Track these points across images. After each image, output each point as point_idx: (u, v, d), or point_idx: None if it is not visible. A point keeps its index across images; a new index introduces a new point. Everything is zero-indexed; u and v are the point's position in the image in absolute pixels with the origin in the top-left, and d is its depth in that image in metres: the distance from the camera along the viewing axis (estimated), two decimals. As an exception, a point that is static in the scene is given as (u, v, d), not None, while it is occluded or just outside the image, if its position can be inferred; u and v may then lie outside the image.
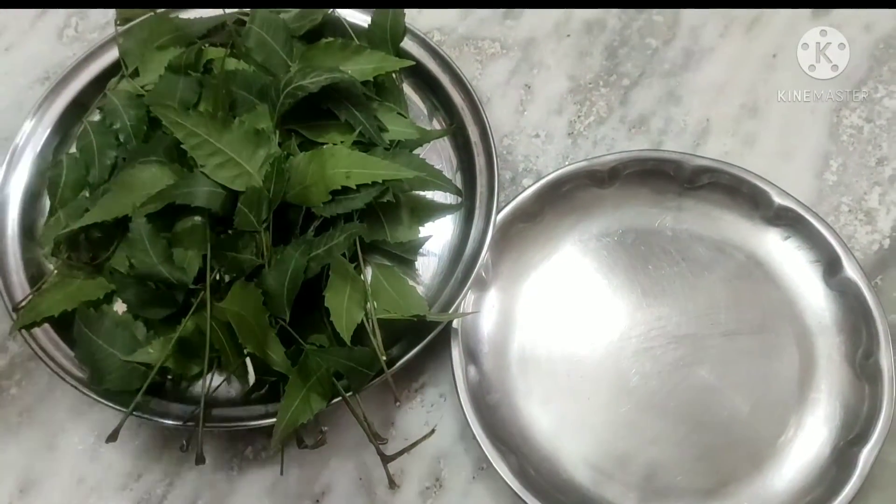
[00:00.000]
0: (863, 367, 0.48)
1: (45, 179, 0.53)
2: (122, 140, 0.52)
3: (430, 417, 0.49)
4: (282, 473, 0.46)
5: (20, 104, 0.58)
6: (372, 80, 0.53)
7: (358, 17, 0.56)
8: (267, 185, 0.48)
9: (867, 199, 0.55)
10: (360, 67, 0.53)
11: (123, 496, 0.48)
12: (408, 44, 0.55)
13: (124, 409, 0.45)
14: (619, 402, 0.48)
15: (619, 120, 0.57)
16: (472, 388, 0.47)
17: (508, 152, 0.56)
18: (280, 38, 0.54)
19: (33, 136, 0.54)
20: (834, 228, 0.51)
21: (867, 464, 0.45)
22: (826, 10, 0.60)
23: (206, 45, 0.55)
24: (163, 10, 0.56)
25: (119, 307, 0.49)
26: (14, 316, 0.48)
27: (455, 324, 0.48)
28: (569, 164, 0.52)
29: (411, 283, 0.50)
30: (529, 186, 0.52)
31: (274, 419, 0.43)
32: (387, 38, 0.54)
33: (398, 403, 0.48)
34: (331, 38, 0.54)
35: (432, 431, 0.44)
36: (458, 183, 0.53)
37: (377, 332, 0.46)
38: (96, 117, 0.55)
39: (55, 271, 0.50)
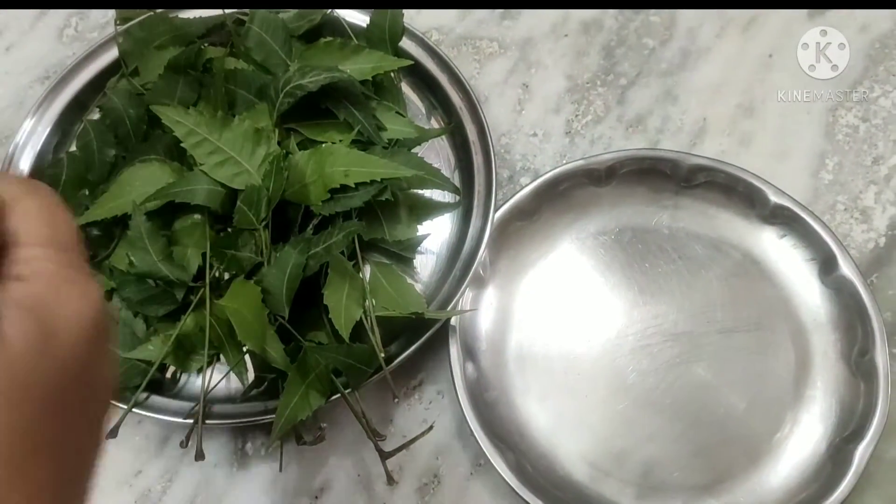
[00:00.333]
0: (858, 364, 0.48)
1: (45, 178, 0.53)
2: (121, 139, 0.52)
3: (429, 414, 0.49)
4: (281, 470, 0.46)
5: (20, 103, 0.59)
6: (370, 79, 0.53)
7: (357, 17, 0.56)
8: (266, 183, 0.48)
9: (863, 197, 0.55)
10: (358, 67, 0.53)
11: (123, 492, 0.48)
12: (406, 43, 0.55)
13: (124, 406, 0.45)
14: (616, 399, 0.49)
15: (616, 119, 0.58)
16: (469, 386, 0.47)
17: (506, 151, 0.57)
18: (279, 37, 0.54)
19: (33, 134, 0.54)
20: (829, 227, 0.51)
21: (863, 460, 0.45)
22: (822, 10, 0.60)
23: (206, 44, 0.55)
24: (162, 9, 0.57)
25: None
26: (14, 313, 0.48)
27: (453, 321, 0.48)
28: (566, 163, 0.53)
29: (409, 280, 0.50)
30: (527, 185, 0.52)
31: (273, 416, 0.44)
32: (385, 38, 0.55)
33: (396, 400, 0.49)
34: (329, 38, 0.54)
35: (430, 428, 0.45)
36: (457, 181, 0.54)
37: (376, 329, 0.46)
38: (96, 116, 0.55)
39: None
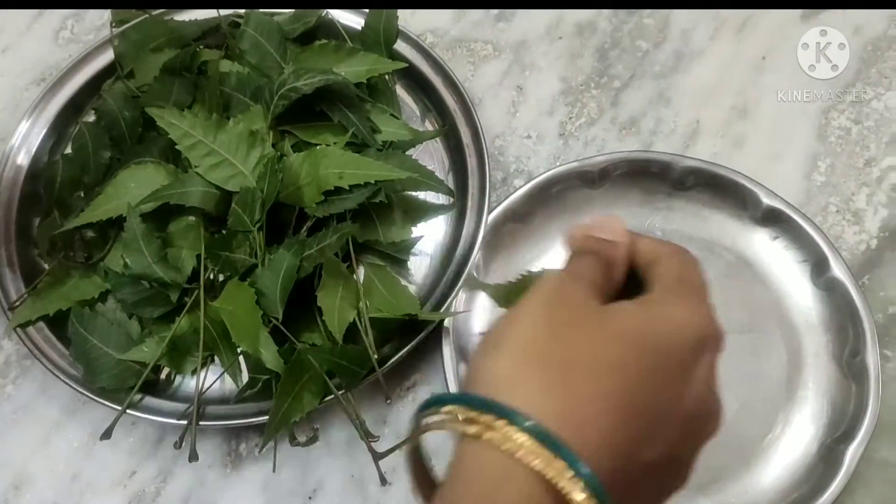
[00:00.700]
0: (849, 365, 0.49)
1: (41, 180, 0.53)
2: (116, 141, 0.53)
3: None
4: (274, 470, 0.46)
5: (16, 105, 0.59)
6: (365, 81, 0.53)
7: (351, 20, 0.57)
8: (260, 185, 0.48)
9: (855, 199, 0.55)
10: (353, 69, 0.53)
11: (117, 493, 0.48)
12: (401, 46, 0.56)
13: (118, 407, 0.46)
14: (608, 400, 0.49)
15: (609, 121, 0.58)
16: (463, 387, 0.47)
17: (500, 153, 0.57)
18: (274, 40, 0.55)
19: (29, 136, 0.54)
20: (822, 229, 0.51)
21: (853, 461, 0.45)
22: (816, 12, 0.61)
23: (201, 46, 0.56)
24: (158, 11, 0.57)
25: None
26: (9, 315, 0.49)
27: (447, 323, 0.48)
28: (560, 165, 0.53)
29: (403, 282, 0.50)
30: (521, 187, 0.52)
31: (267, 417, 0.44)
32: (380, 41, 0.55)
33: (389, 401, 0.49)
34: (324, 41, 0.55)
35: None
36: (451, 183, 0.54)
37: (369, 330, 0.46)
38: (91, 118, 0.55)
39: (50, 271, 0.50)
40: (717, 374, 0.30)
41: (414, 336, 0.47)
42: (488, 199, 0.51)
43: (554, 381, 0.26)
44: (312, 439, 0.46)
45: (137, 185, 0.50)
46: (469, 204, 0.52)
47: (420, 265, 0.52)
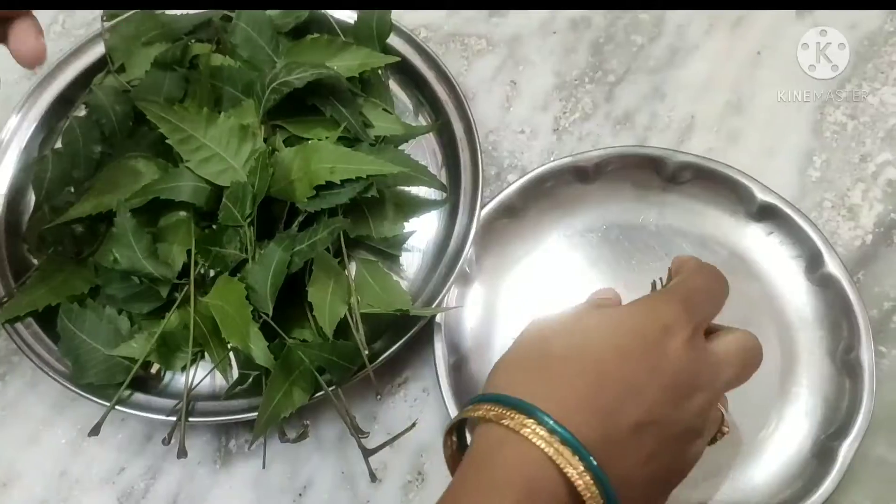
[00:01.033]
0: (844, 361, 0.48)
1: (31, 175, 0.53)
2: (107, 135, 0.52)
3: (414, 412, 0.49)
4: (264, 467, 0.46)
5: (6, 99, 0.58)
6: (358, 76, 0.53)
7: (344, 14, 0.56)
8: (251, 180, 0.48)
9: (850, 195, 0.55)
10: (345, 64, 0.53)
11: (106, 489, 0.48)
12: (394, 40, 0.55)
13: (107, 403, 0.45)
14: (601, 396, 0.49)
15: (604, 116, 0.57)
16: (454, 383, 0.47)
17: (494, 148, 0.56)
18: (266, 34, 0.54)
19: (19, 131, 0.54)
20: (816, 224, 0.51)
21: (847, 457, 0.45)
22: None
23: (193, 41, 0.55)
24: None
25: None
26: (-2, 310, 0.48)
27: (438, 318, 0.48)
28: (553, 160, 0.52)
29: (395, 277, 0.50)
30: (514, 182, 0.52)
31: (257, 413, 0.44)
32: (373, 35, 0.55)
33: (379, 397, 0.48)
34: (317, 35, 0.54)
35: (413, 425, 0.44)
36: (443, 178, 0.54)
37: (360, 326, 0.46)
38: (82, 113, 0.55)
39: (39, 266, 0.50)
40: (697, 349, 0.34)
41: (405, 332, 0.47)
42: (481, 195, 0.51)
43: (548, 380, 0.33)
44: (302, 435, 0.45)
45: (128, 179, 0.50)
46: (462, 199, 0.51)
47: (412, 260, 0.52)
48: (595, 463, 0.29)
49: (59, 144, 0.54)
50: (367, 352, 0.45)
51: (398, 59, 0.54)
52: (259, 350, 0.44)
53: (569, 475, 0.29)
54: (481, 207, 0.50)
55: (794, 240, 0.51)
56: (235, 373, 0.47)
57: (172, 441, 0.45)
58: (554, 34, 0.60)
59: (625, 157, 0.53)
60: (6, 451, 0.49)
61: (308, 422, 0.48)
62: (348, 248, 0.49)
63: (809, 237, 0.50)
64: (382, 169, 0.47)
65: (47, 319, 0.48)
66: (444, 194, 0.53)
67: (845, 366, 0.48)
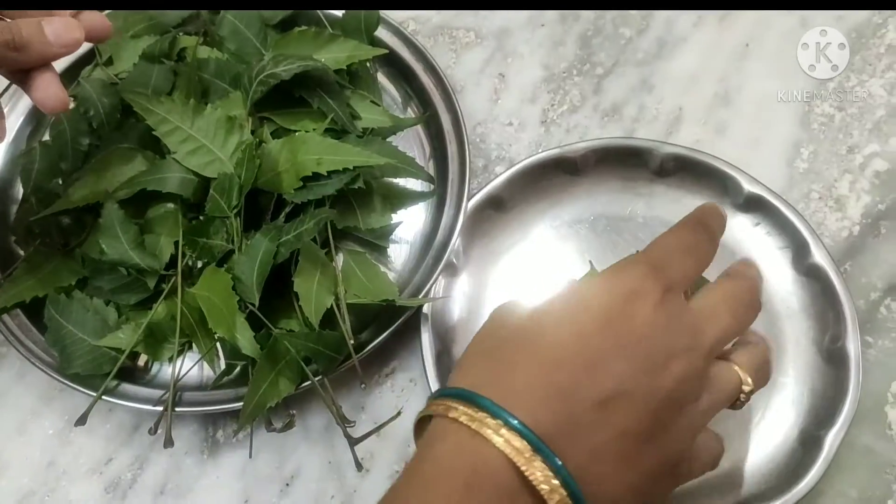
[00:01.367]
0: (830, 351, 0.48)
1: (18, 167, 0.53)
2: (95, 127, 0.52)
3: (401, 402, 0.49)
4: (250, 456, 0.46)
5: (-5, 93, 0.58)
6: (345, 68, 0.53)
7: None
8: (238, 171, 0.48)
9: (837, 186, 0.55)
10: (333, 56, 0.53)
11: (93, 480, 0.48)
12: (382, 33, 0.55)
13: (94, 394, 0.45)
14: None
15: (592, 108, 0.58)
16: (442, 373, 0.47)
17: (482, 140, 0.57)
18: (254, 26, 0.54)
19: (6, 123, 0.54)
20: (803, 215, 0.51)
21: (833, 446, 0.45)
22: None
23: (181, 33, 0.55)
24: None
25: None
26: (-15, 302, 0.48)
27: (425, 309, 0.48)
28: (541, 152, 0.53)
29: (383, 269, 0.50)
30: (501, 174, 0.52)
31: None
32: (361, 28, 0.55)
33: (363, 386, 0.49)
34: (304, 27, 0.54)
35: (398, 414, 0.45)
36: (431, 170, 0.54)
37: (346, 316, 0.46)
38: (70, 105, 0.55)
39: (27, 257, 0.50)
40: (670, 313, 0.32)
41: (392, 322, 0.47)
42: (468, 186, 0.51)
43: (496, 366, 0.31)
44: (288, 425, 0.45)
45: (115, 171, 0.50)
46: (449, 191, 0.51)
47: (399, 252, 0.52)
48: (549, 449, 0.28)
49: (46, 137, 0.54)
50: (353, 342, 0.45)
51: (385, 51, 0.54)
52: (245, 340, 0.44)
53: (525, 472, 0.28)
54: (468, 199, 0.50)
55: (781, 231, 0.51)
56: (223, 363, 0.47)
57: (159, 431, 0.45)
58: (542, 27, 0.60)
59: (612, 148, 0.53)
60: (-7, 443, 0.49)
61: (294, 412, 0.48)
62: (336, 240, 0.49)
63: (796, 228, 0.50)
64: (369, 160, 0.47)
65: (34, 310, 0.48)
66: (432, 186, 0.53)
67: (831, 356, 0.48)
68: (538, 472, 0.28)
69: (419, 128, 0.55)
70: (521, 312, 0.33)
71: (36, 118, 0.55)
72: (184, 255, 0.48)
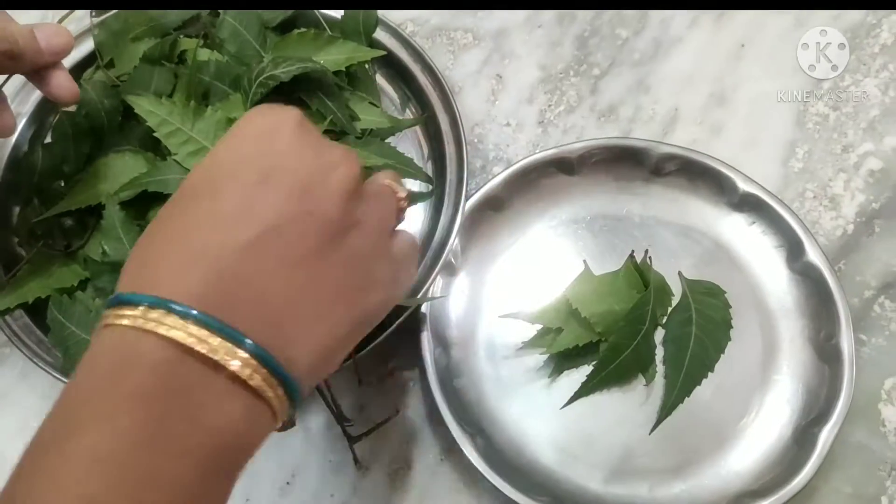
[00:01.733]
0: (824, 349, 0.49)
1: (22, 169, 0.54)
2: (96, 130, 0.53)
3: (400, 401, 0.50)
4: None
5: (-3, 95, 0.59)
6: (344, 70, 0.53)
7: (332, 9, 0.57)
8: (238, 172, 0.48)
9: (832, 185, 0.55)
10: (332, 58, 0.53)
11: (96, 479, 0.48)
12: (381, 34, 0.56)
13: (96, 393, 0.46)
14: (585, 384, 0.49)
15: (588, 109, 0.58)
16: (440, 372, 0.48)
17: (479, 141, 0.57)
18: (253, 28, 0.55)
19: (9, 126, 0.54)
20: (798, 214, 0.51)
21: (827, 443, 0.45)
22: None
23: (181, 36, 0.56)
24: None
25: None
26: (-12, 303, 0.49)
27: (424, 308, 0.49)
28: (538, 152, 0.53)
29: (381, 268, 0.50)
30: (499, 174, 0.52)
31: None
32: (359, 30, 0.55)
33: (361, 384, 0.49)
34: (304, 29, 0.55)
35: (397, 412, 0.45)
36: (429, 171, 0.54)
37: (346, 316, 0.46)
38: (72, 108, 0.55)
39: (29, 259, 0.50)
40: (310, 135, 0.31)
41: (391, 322, 0.47)
42: (466, 187, 0.51)
43: (137, 255, 0.29)
44: (289, 423, 0.46)
45: (116, 173, 0.50)
46: (447, 191, 0.52)
47: (399, 251, 0.52)
48: (179, 307, 0.25)
49: (48, 139, 0.54)
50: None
51: (384, 52, 0.54)
52: (246, 339, 0.44)
53: (162, 333, 0.25)
54: (466, 199, 0.51)
55: (776, 229, 0.52)
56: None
57: (161, 430, 0.45)
58: (539, 28, 0.61)
59: (609, 148, 0.53)
60: (-3, 442, 0.49)
61: (294, 411, 0.49)
62: (335, 240, 0.49)
63: (790, 227, 0.51)
64: (368, 162, 0.48)
65: (37, 311, 0.48)
66: (430, 187, 0.53)
67: (825, 353, 0.49)
68: (222, 352, 0.25)
69: (417, 128, 0.56)
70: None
71: (39, 121, 0.55)
72: (185, 256, 0.49)
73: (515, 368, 0.50)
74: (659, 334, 0.50)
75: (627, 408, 0.49)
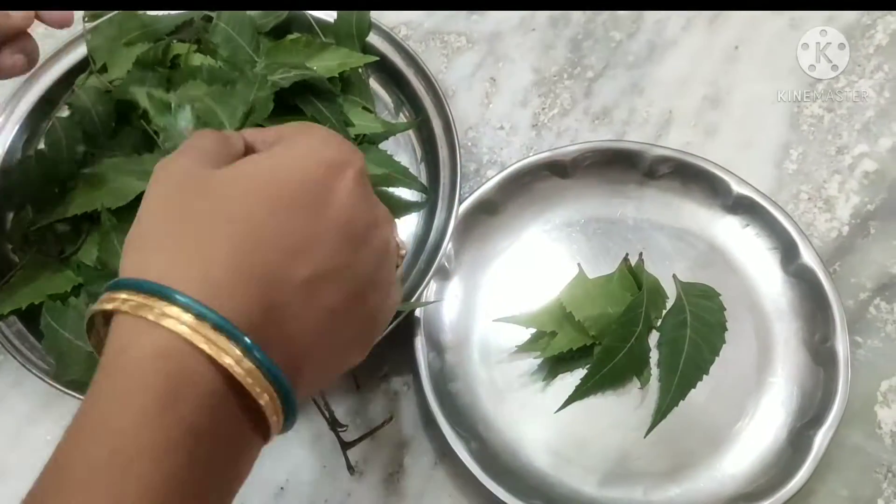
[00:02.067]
0: (819, 351, 0.49)
1: (15, 175, 0.53)
2: (90, 135, 0.53)
3: (394, 406, 0.50)
4: (245, 461, 0.46)
5: (-9, 101, 0.59)
6: (338, 75, 0.53)
7: (324, 13, 0.57)
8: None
9: (827, 187, 0.55)
10: (325, 64, 0.53)
11: (90, 485, 0.48)
12: (374, 39, 0.56)
13: (89, 400, 0.46)
14: (579, 388, 0.49)
15: (582, 112, 0.58)
16: (434, 376, 0.48)
17: (473, 144, 0.57)
18: (246, 34, 0.55)
19: (2, 132, 0.54)
20: (792, 216, 0.51)
21: (822, 446, 0.45)
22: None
23: (174, 41, 0.56)
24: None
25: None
26: (-19, 309, 0.49)
27: (418, 313, 0.49)
28: (531, 156, 0.53)
29: (375, 273, 0.50)
30: (492, 177, 0.52)
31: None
32: (353, 34, 0.55)
33: (358, 388, 0.49)
34: (297, 35, 0.55)
35: (391, 418, 0.45)
36: (423, 174, 0.54)
37: (339, 321, 0.46)
38: (65, 113, 0.55)
39: (23, 265, 0.50)
40: (367, 185, 0.32)
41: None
42: (459, 191, 0.51)
43: (186, 253, 0.26)
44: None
45: (110, 179, 0.50)
46: (441, 195, 0.52)
47: (392, 256, 0.52)
48: (249, 341, 0.25)
49: (42, 145, 0.54)
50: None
51: (376, 58, 0.54)
52: (239, 345, 0.44)
53: (226, 364, 0.25)
54: (460, 203, 0.51)
55: (770, 232, 0.52)
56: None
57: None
58: (533, 31, 0.61)
59: (602, 151, 0.53)
60: (-8, 449, 0.49)
61: (289, 416, 0.49)
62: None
63: (785, 229, 0.51)
64: (363, 168, 0.48)
65: (31, 318, 0.48)
66: (425, 196, 0.53)
67: (820, 356, 0.49)
68: (250, 379, 0.25)
69: (411, 132, 0.56)
70: (203, 181, 0.29)
71: (31, 127, 0.55)
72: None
73: (510, 372, 0.50)
74: (654, 337, 0.50)
75: (622, 411, 0.49)
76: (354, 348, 0.32)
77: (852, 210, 0.55)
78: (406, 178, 0.52)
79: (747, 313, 0.51)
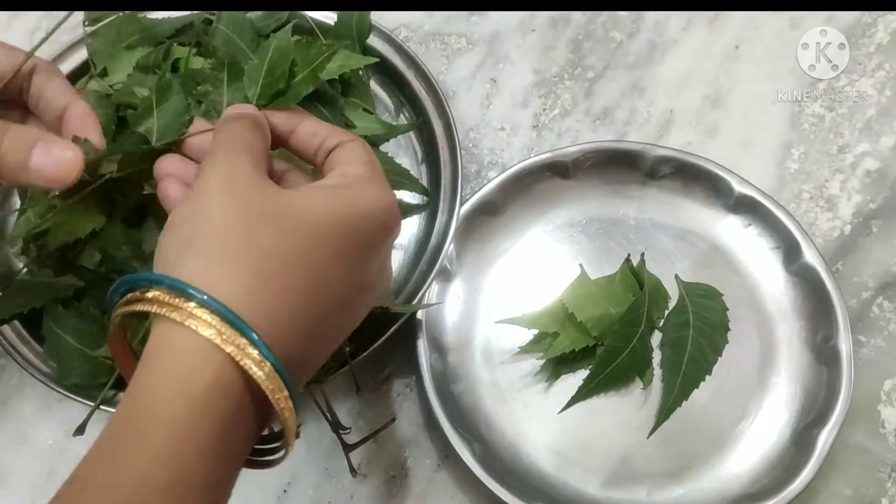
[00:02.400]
0: (822, 350, 0.49)
1: (16, 179, 0.54)
2: (90, 139, 0.53)
3: (397, 408, 0.50)
4: (248, 463, 0.46)
5: (-8, 106, 0.59)
6: (338, 77, 0.53)
7: (324, 15, 0.57)
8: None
9: (828, 186, 0.55)
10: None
11: (93, 489, 0.48)
12: (374, 40, 0.56)
13: (92, 403, 0.46)
14: (582, 389, 0.49)
15: (583, 112, 0.58)
16: (436, 378, 0.48)
17: (474, 145, 0.57)
18: (246, 36, 0.55)
19: (3, 136, 0.54)
20: (794, 215, 0.51)
21: (826, 445, 0.45)
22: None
23: (174, 44, 0.56)
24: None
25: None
26: (-17, 313, 0.49)
27: (420, 315, 0.49)
28: (532, 157, 0.53)
29: (377, 275, 0.50)
30: (494, 179, 0.52)
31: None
32: (353, 36, 0.55)
33: (360, 392, 0.49)
34: (297, 38, 0.55)
35: (392, 420, 0.45)
36: (424, 176, 0.54)
37: (341, 323, 0.46)
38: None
39: (24, 269, 0.50)
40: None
41: (387, 328, 0.47)
42: (460, 192, 0.51)
43: (247, 276, 0.28)
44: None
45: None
46: (442, 196, 0.52)
47: (393, 258, 0.51)
48: (267, 349, 0.27)
49: (43, 149, 0.54)
50: (348, 348, 0.46)
51: (377, 59, 0.54)
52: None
53: (245, 367, 0.27)
54: (461, 204, 0.51)
55: (772, 231, 0.52)
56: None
57: (157, 440, 0.45)
58: (533, 32, 0.61)
59: (603, 151, 0.53)
60: (-6, 453, 0.49)
61: (291, 418, 0.49)
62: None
63: (787, 228, 0.51)
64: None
65: (33, 322, 0.48)
66: (427, 199, 0.53)
67: (823, 355, 0.49)
68: (278, 394, 0.28)
69: (412, 134, 0.56)
70: (261, 198, 0.30)
71: (32, 131, 0.55)
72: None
73: (512, 373, 0.50)
74: (656, 338, 0.50)
75: (625, 412, 0.49)
76: (331, 345, 0.34)
77: (854, 209, 0.55)
78: (407, 181, 0.51)
79: (750, 313, 0.51)
